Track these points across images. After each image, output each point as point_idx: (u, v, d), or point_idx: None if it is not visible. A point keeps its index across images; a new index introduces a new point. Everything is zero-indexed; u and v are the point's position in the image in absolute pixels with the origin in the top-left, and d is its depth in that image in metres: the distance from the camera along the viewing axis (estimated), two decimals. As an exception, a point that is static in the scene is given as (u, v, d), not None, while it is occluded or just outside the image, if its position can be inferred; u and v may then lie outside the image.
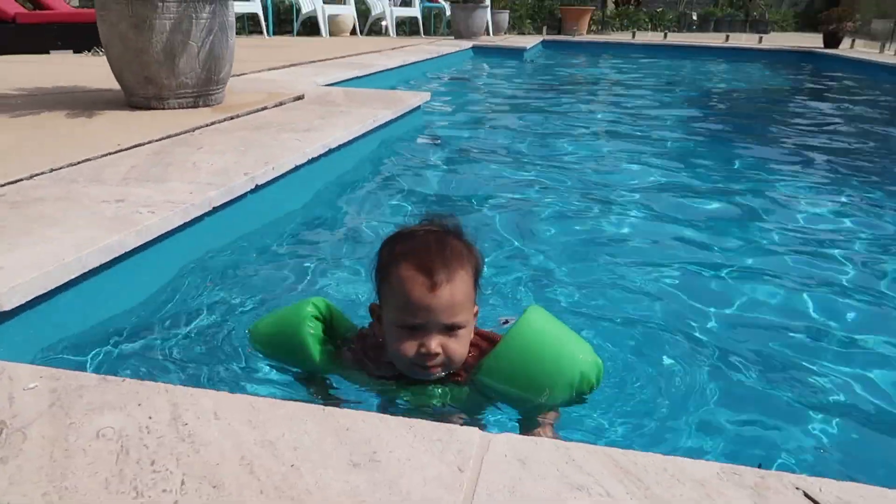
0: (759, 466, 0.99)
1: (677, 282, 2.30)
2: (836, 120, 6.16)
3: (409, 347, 1.27)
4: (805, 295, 2.23)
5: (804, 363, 1.79)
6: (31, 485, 0.89)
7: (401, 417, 1.06)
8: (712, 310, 2.10)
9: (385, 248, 1.34)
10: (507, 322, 1.38)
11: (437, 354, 1.26)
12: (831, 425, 1.53)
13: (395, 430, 1.02)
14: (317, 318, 1.45)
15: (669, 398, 1.56)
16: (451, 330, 1.27)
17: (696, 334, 1.92)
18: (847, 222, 3.03)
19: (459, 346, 1.29)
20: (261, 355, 1.56)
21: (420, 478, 0.92)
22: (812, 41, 13.62)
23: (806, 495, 0.93)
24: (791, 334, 1.97)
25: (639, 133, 4.99)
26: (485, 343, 1.40)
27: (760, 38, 14.56)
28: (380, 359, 1.38)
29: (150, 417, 1.03)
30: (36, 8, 7.70)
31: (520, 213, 3.01)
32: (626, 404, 1.51)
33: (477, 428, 1.04)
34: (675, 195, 3.38)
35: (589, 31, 15.72)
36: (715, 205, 3.24)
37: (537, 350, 1.32)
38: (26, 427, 1.00)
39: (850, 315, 2.14)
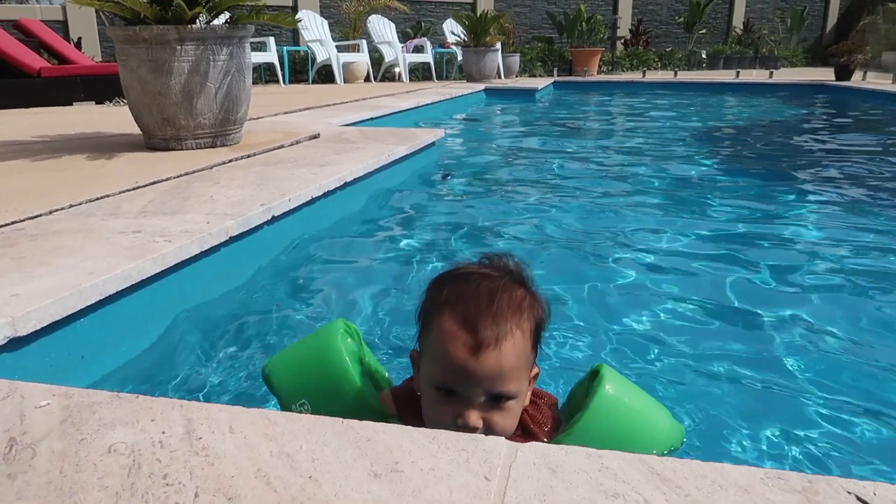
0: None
1: (695, 314, 2.24)
2: (857, 146, 6.11)
3: (444, 416, 1.06)
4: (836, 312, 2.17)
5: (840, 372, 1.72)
6: (38, 500, 0.85)
7: (423, 429, 1.01)
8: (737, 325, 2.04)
9: (432, 290, 1.13)
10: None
11: (475, 429, 1.04)
12: (877, 432, 1.45)
13: (418, 441, 0.97)
14: (350, 338, 1.27)
15: (699, 414, 1.50)
16: (496, 401, 1.05)
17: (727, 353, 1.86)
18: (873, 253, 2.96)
19: (505, 421, 1.07)
20: (282, 396, 1.26)
21: (445, 487, 0.87)
22: (823, 75, 13.65)
23: (859, 500, 0.86)
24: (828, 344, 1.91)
25: (654, 168, 4.95)
26: (540, 401, 1.21)
27: (771, 74, 14.61)
28: (420, 415, 1.15)
29: (163, 432, 0.99)
30: (60, 62, 7.94)
31: (535, 248, 2.94)
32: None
33: (503, 438, 0.99)
34: (692, 230, 3.28)
35: (599, 72, 15.89)
36: (732, 235, 3.18)
37: (622, 432, 1.14)
38: (36, 443, 0.97)
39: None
